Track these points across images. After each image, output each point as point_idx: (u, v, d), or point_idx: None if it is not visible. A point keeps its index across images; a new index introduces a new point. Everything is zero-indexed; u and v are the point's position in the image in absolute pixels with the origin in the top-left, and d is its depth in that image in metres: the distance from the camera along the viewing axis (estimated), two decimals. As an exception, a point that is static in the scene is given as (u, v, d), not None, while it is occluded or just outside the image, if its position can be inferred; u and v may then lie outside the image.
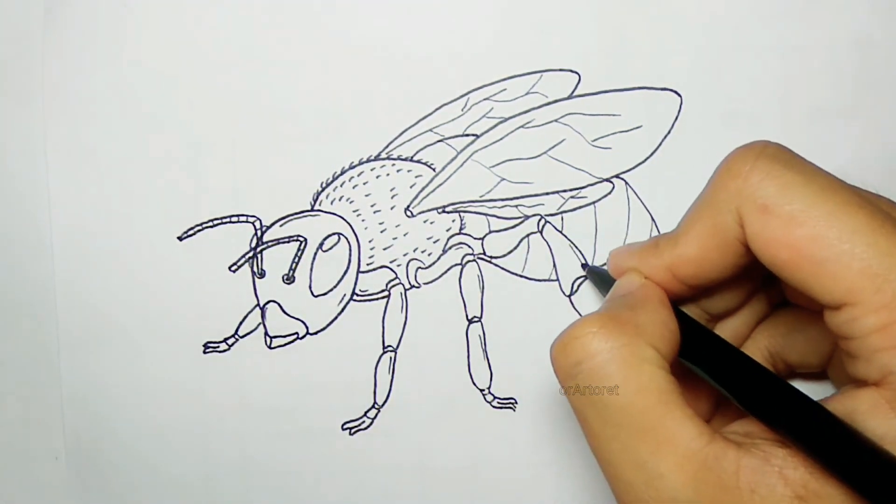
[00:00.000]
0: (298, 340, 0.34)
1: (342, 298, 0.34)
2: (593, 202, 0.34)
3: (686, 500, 0.24)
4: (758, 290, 0.30)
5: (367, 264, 0.34)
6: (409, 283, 0.34)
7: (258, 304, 0.34)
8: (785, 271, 0.24)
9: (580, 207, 0.34)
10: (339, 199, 0.34)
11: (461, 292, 0.34)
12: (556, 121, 0.33)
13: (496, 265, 0.34)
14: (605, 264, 0.32)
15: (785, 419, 0.24)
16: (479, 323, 0.34)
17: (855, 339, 0.24)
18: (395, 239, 0.34)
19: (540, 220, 0.34)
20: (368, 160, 0.33)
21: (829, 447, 0.23)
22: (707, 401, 0.30)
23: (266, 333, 0.34)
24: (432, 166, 0.34)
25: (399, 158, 0.34)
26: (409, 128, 0.33)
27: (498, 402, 0.34)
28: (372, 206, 0.34)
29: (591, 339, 0.25)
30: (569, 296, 0.34)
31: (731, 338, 0.31)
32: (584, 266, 0.34)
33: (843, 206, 0.24)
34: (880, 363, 0.23)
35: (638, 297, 0.27)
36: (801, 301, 0.30)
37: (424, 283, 0.34)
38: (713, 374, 0.27)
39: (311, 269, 0.34)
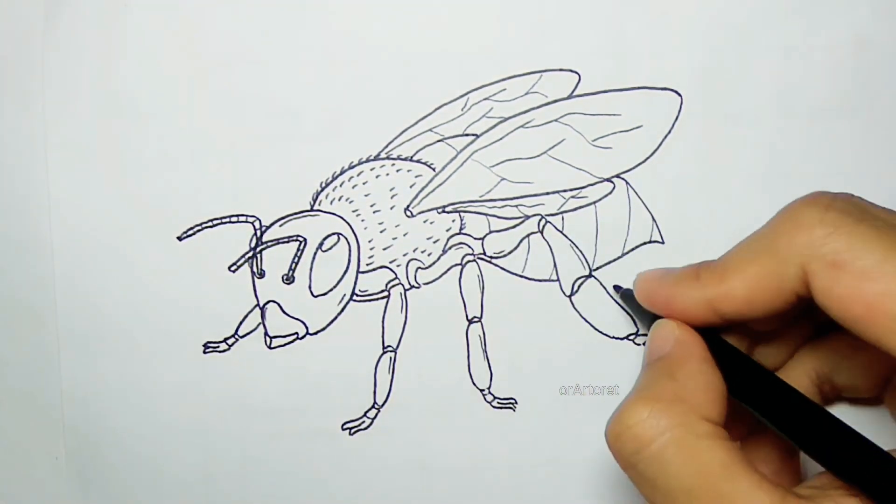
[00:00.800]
0: (298, 340, 0.34)
1: (342, 298, 0.34)
2: (594, 202, 0.34)
3: None
4: (802, 315, 0.30)
5: (367, 264, 0.34)
6: (409, 283, 0.34)
7: (258, 304, 0.34)
8: (858, 326, 0.24)
9: (581, 207, 0.34)
10: (339, 199, 0.34)
11: (461, 292, 0.34)
12: (556, 120, 0.33)
13: (496, 265, 0.34)
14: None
15: (854, 471, 0.24)
16: (479, 323, 0.34)
17: None
18: (394, 239, 0.34)
19: (540, 220, 0.34)
20: (368, 160, 0.33)
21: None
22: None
23: (266, 333, 0.34)
24: (432, 166, 0.34)
25: (399, 158, 0.34)
26: (409, 127, 0.33)
27: (498, 402, 0.34)
28: (371, 206, 0.34)
29: (645, 427, 0.25)
30: (569, 296, 0.34)
31: (774, 357, 0.31)
32: (617, 289, 0.34)
33: None
34: None
35: (676, 359, 0.27)
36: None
37: (424, 284, 0.34)
38: (767, 415, 0.26)
39: (311, 269, 0.34)
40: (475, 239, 0.34)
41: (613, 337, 0.34)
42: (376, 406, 0.34)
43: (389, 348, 0.34)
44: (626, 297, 0.33)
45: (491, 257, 0.34)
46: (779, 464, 0.30)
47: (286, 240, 0.34)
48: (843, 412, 0.33)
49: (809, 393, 0.31)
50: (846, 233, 0.24)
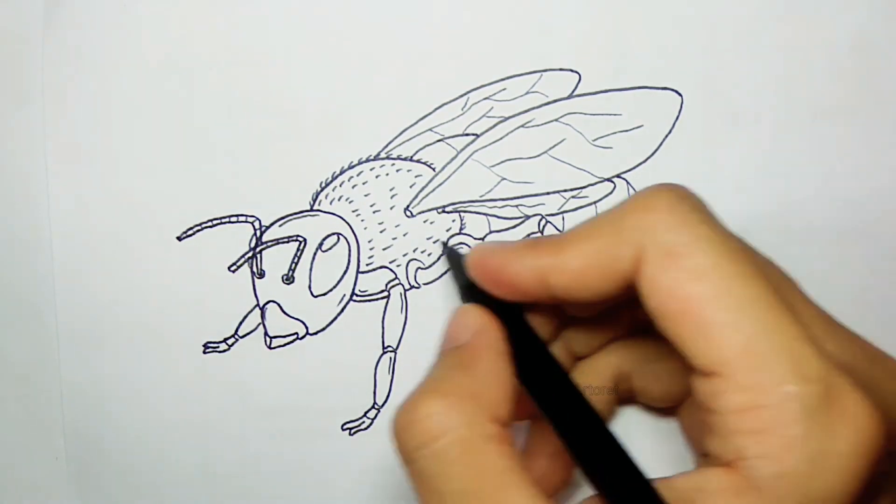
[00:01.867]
0: (298, 340, 0.34)
1: (342, 299, 0.34)
2: (594, 202, 0.34)
3: None
4: (622, 307, 0.29)
5: (367, 264, 0.34)
6: (409, 283, 0.34)
7: (258, 305, 0.34)
8: (666, 323, 0.24)
9: (581, 207, 0.34)
10: (339, 200, 0.34)
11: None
12: (556, 120, 0.33)
13: (496, 265, 0.34)
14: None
15: (611, 488, 0.23)
16: (479, 323, 0.34)
17: (716, 414, 0.23)
18: (394, 239, 0.34)
19: (541, 220, 0.34)
20: (368, 160, 0.33)
21: None
22: None
23: (266, 333, 0.34)
24: (432, 166, 0.34)
25: (398, 158, 0.34)
26: (409, 127, 0.33)
27: (498, 403, 0.34)
28: (371, 206, 0.34)
29: (433, 423, 0.24)
30: (569, 296, 0.34)
31: (582, 345, 0.30)
32: (445, 245, 0.33)
33: (744, 273, 0.23)
34: (735, 445, 0.22)
35: (472, 352, 0.26)
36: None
37: (424, 284, 0.34)
38: (546, 411, 0.26)
39: (311, 270, 0.34)
40: (475, 239, 0.34)
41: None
42: (376, 406, 0.34)
43: (389, 348, 0.34)
44: (452, 257, 0.32)
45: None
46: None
47: (286, 240, 0.34)
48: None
49: (605, 389, 0.31)
50: (690, 228, 0.24)
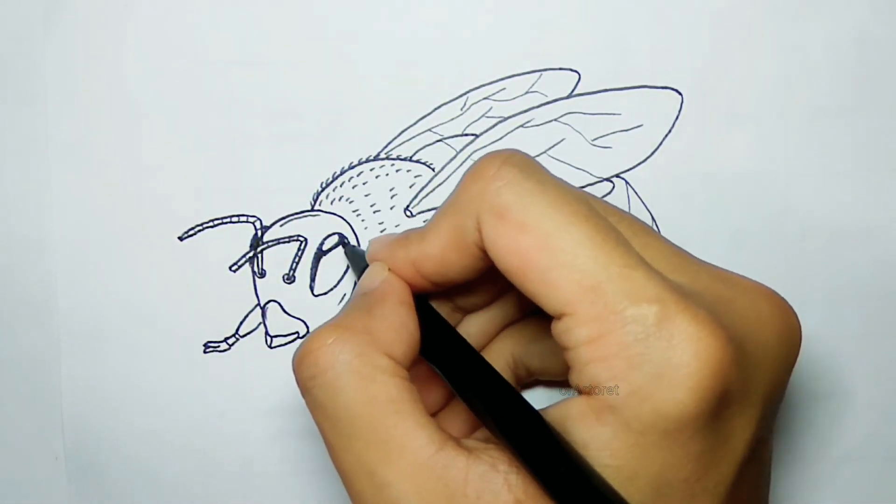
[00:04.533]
0: (299, 340, 0.34)
1: (342, 298, 0.34)
2: (593, 202, 0.34)
3: None
4: (506, 291, 0.31)
5: (367, 264, 0.34)
6: (409, 282, 0.34)
7: (259, 304, 0.34)
8: (515, 278, 0.25)
9: (580, 207, 0.34)
10: (339, 200, 0.34)
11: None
12: (555, 120, 0.33)
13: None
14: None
15: (500, 424, 0.25)
16: (479, 323, 0.34)
17: (570, 350, 0.24)
18: (394, 239, 0.34)
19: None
20: (368, 160, 0.34)
21: (533, 453, 0.24)
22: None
23: (266, 333, 0.34)
24: (431, 166, 0.34)
25: (398, 158, 0.34)
26: (408, 128, 0.33)
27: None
28: (371, 206, 0.34)
29: (325, 353, 0.26)
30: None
31: (479, 334, 0.31)
32: (344, 244, 0.34)
33: (572, 217, 0.24)
34: (589, 374, 0.24)
35: (377, 296, 0.28)
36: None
37: (424, 283, 0.34)
38: (448, 375, 0.27)
39: (312, 269, 0.34)
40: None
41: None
42: (376, 406, 0.34)
43: (389, 348, 0.34)
44: (351, 254, 0.33)
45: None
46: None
47: (287, 240, 0.34)
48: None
49: (505, 374, 0.32)
50: (515, 186, 0.25)
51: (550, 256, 0.24)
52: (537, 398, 0.34)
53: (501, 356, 0.32)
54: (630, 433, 0.23)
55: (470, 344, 0.28)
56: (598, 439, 0.24)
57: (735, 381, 0.24)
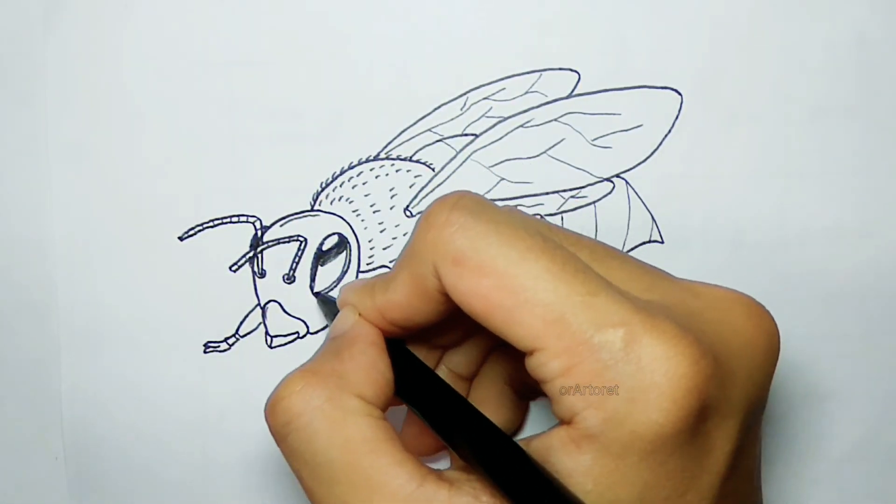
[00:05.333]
0: (299, 340, 0.34)
1: (342, 298, 0.34)
2: (593, 202, 0.34)
3: None
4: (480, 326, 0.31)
5: (367, 264, 0.34)
6: (409, 282, 0.34)
7: (259, 304, 0.34)
8: (481, 320, 0.25)
9: (580, 207, 0.34)
10: (339, 200, 0.34)
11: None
12: (555, 120, 0.33)
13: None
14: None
15: (478, 457, 0.25)
16: (479, 323, 0.34)
17: (546, 383, 0.24)
18: (394, 239, 0.34)
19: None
20: (367, 160, 0.34)
21: (514, 484, 0.24)
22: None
23: (267, 333, 0.34)
24: (431, 166, 0.34)
25: (398, 158, 0.34)
26: (408, 128, 0.33)
27: (498, 402, 0.34)
28: (371, 206, 0.34)
29: (295, 400, 0.25)
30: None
31: (466, 363, 0.32)
32: (316, 294, 0.34)
33: (527, 252, 0.24)
34: (566, 404, 0.24)
35: (346, 339, 0.28)
36: None
37: (424, 283, 0.34)
38: (425, 414, 0.27)
39: (312, 269, 0.34)
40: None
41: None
42: (376, 406, 0.34)
43: (389, 348, 0.34)
44: (324, 303, 0.34)
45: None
46: None
47: (287, 240, 0.34)
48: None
49: (504, 393, 0.32)
50: (467, 230, 0.25)
51: (512, 295, 0.24)
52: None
53: (498, 376, 0.32)
54: (609, 458, 0.23)
55: (446, 382, 0.28)
56: (579, 467, 0.24)
57: (711, 394, 0.24)
